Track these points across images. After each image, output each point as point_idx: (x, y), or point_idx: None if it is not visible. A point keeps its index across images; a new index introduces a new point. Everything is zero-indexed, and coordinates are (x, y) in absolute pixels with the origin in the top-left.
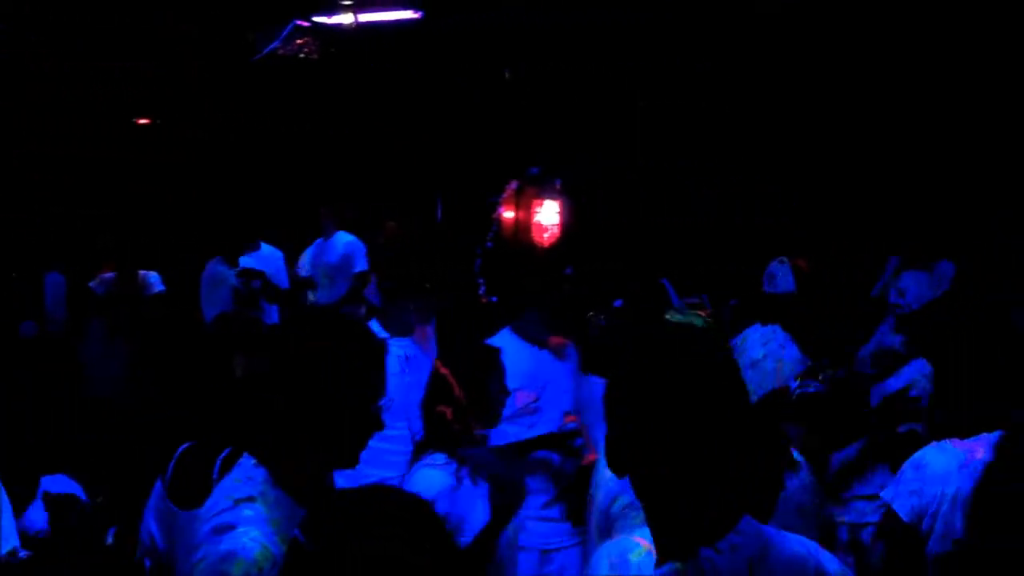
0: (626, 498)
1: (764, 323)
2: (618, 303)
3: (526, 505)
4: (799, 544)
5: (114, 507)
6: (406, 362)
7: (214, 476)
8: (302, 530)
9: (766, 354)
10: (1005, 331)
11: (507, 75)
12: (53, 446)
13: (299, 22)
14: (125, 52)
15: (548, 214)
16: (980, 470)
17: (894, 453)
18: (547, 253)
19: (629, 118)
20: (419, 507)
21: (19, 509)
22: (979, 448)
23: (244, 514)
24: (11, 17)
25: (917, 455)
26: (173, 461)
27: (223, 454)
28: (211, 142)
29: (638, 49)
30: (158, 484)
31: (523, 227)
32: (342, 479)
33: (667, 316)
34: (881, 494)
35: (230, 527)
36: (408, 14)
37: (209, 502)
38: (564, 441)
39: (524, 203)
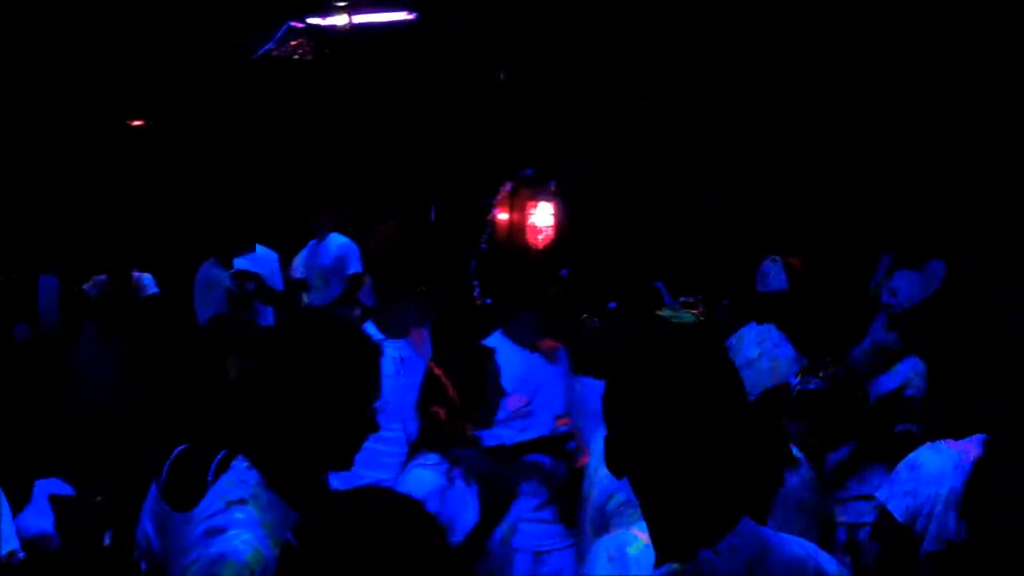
0: (622, 495)
1: (759, 322)
2: (612, 305)
3: (519, 507)
4: (798, 546)
5: (111, 509)
6: (401, 364)
7: (209, 479)
8: (295, 534)
9: (761, 353)
10: (1004, 330)
11: (501, 77)
12: (47, 449)
13: (293, 23)
14: (123, 52)
15: (542, 216)
16: (969, 469)
17: (890, 453)
18: (541, 255)
19: (629, 118)
20: (412, 509)
21: (14, 512)
22: (973, 448)
23: (236, 517)
24: (11, 17)
25: (912, 456)
26: (168, 463)
27: (219, 457)
28: (205, 144)
29: (638, 49)
30: (153, 486)
31: (517, 229)
32: (337, 480)
33: (657, 313)
34: (876, 494)
35: (222, 530)
36: (402, 15)
37: (202, 505)
38: (557, 445)
39: (518, 205)
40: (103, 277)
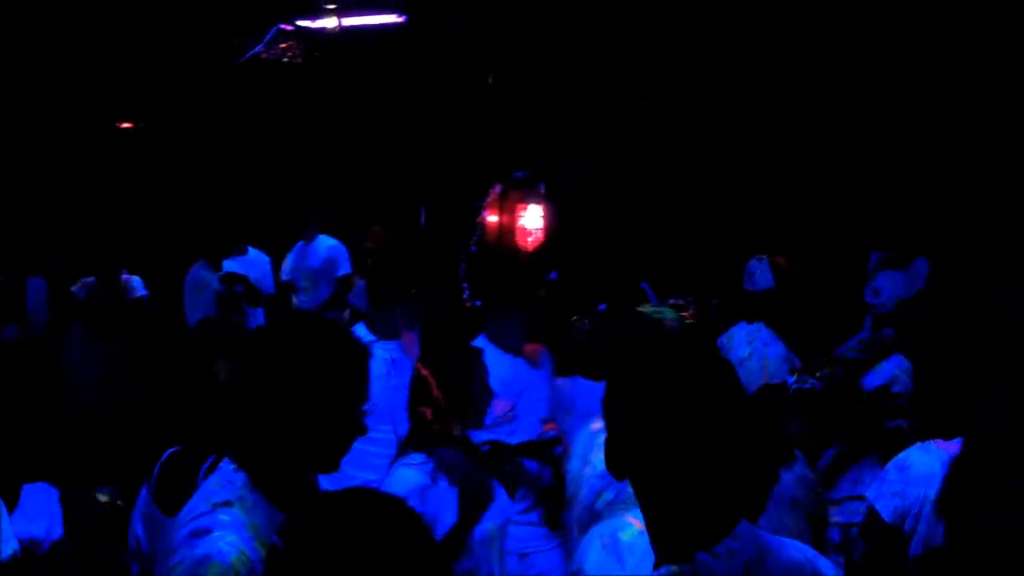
0: (610, 494)
1: (749, 321)
2: (602, 307)
3: (505, 509)
4: (796, 550)
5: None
6: (392, 365)
7: (199, 482)
8: (280, 536)
9: (751, 352)
10: (1004, 330)
11: (490, 80)
12: (36, 452)
13: (283, 26)
14: (118, 53)
15: (532, 218)
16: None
17: (880, 450)
18: (531, 257)
19: (629, 118)
20: (399, 509)
21: None
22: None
23: (221, 518)
24: (11, 17)
25: (901, 455)
26: (158, 466)
27: (209, 460)
28: (194, 145)
29: (638, 49)
30: (144, 489)
31: (507, 231)
32: (327, 481)
33: (640, 310)
34: (865, 493)
35: (207, 531)
36: (392, 18)
37: (187, 506)
38: (544, 449)
39: (508, 207)
40: (91, 279)
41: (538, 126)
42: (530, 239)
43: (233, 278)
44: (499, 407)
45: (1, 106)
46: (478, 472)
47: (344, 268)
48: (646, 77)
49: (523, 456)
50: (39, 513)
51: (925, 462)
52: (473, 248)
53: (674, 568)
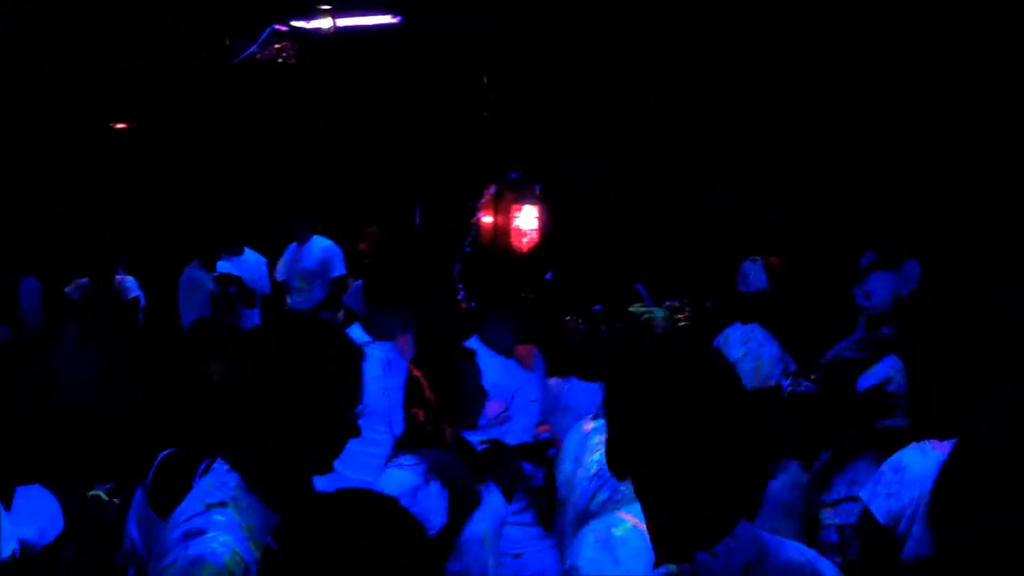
0: (604, 494)
1: (744, 322)
2: (597, 307)
3: (498, 510)
4: (796, 551)
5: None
6: (388, 366)
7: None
8: (274, 537)
9: (746, 353)
10: (1007, 329)
11: (485, 80)
12: (29, 453)
13: (277, 26)
14: (112, 53)
15: (527, 219)
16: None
17: (876, 450)
18: (525, 258)
19: (642, 115)
20: (394, 509)
21: None
22: None
23: (215, 519)
24: (11, 17)
25: (896, 456)
26: (153, 469)
27: (206, 463)
28: (189, 146)
29: (651, 46)
30: (139, 492)
31: (502, 232)
32: (322, 482)
33: (630, 310)
34: (860, 494)
35: (200, 532)
36: (386, 19)
37: (181, 507)
38: (539, 452)
39: (503, 208)
40: (85, 280)
41: (550, 124)
42: (525, 240)
43: (227, 279)
44: (492, 408)
45: (1, 106)
46: (466, 474)
47: (338, 269)
48: (659, 74)
49: (519, 458)
50: (32, 515)
51: (920, 463)
52: (468, 249)
53: (673, 567)
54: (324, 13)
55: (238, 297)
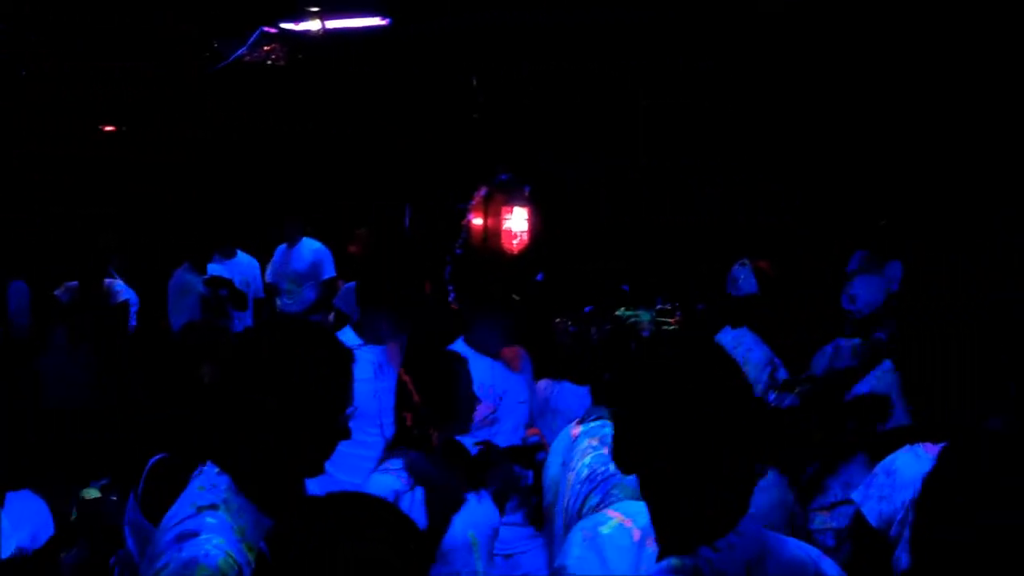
0: (595, 498)
1: (734, 327)
2: (588, 309)
3: (492, 518)
4: (799, 548)
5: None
6: (379, 369)
7: None
8: (268, 543)
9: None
10: (1006, 329)
11: (475, 82)
12: (17, 458)
13: (266, 28)
14: (106, 54)
15: (517, 221)
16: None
17: (870, 452)
18: (516, 260)
19: (632, 117)
20: (386, 512)
21: None
22: None
23: (207, 521)
24: (11, 17)
25: (889, 459)
26: (144, 474)
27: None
28: (177, 148)
29: (641, 48)
30: (130, 498)
31: (492, 234)
32: (314, 484)
33: (617, 313)
34: (852, 496)
35: (193, 534)
36: (376, 20)
37: (172, 510)
38: (528, 455)
39: (493, 209)
40: (75, 283)
41: (540, 125)
42: (515, 241)
43: (218, 282)
44: (480, 410)
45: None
46: (447, 475)
47: (329, 271)
48: (649, 76)
49: (508, 460)
50: (23, 520)
51: (912, 467)
52: (458, 251)
53: (675, 561)
54: (313, 15)
55: (229, 300)
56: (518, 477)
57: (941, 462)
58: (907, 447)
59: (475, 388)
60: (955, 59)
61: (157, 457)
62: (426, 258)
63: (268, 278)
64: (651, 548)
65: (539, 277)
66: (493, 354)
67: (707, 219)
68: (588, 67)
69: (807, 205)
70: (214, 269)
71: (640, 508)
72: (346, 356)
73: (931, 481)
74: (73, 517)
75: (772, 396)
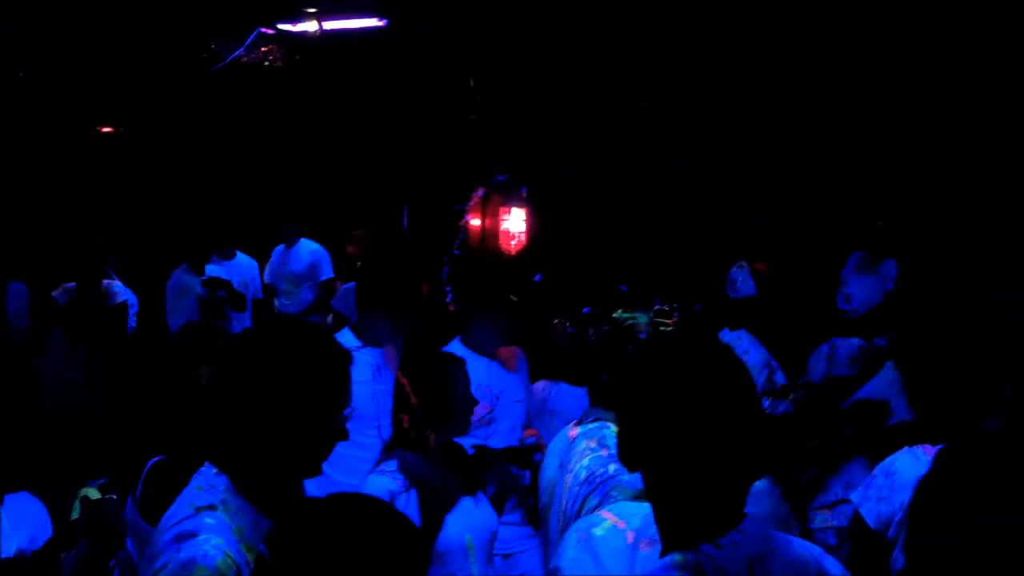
0: (594, 500)
1: (732, 328)
2: (586, 310)
3: (490, 521)
4: (803, 547)
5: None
6: (378, 371)
7: None
8: (268, 545)
9: None
10: (1005, 330)
11: (472, 83)
12: (16, 458)
13: (263, 29)
14: (119, 53)
15: (515, 221)
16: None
17: (871, 452)
18: (513, 260)
19: (629, 118)
20: (385, 513)
21: None
22: None
23: (206, 522)
24: (11, 17)
25: (888, 460)
26: (143, 476)
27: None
28: (174, 149)
29: (638, 49)
30: (128, 500)
31: (490, 235)
32: (312, 486)
33: (615, 314)
34: (851, 496)
35: (192, 534)
36: (373, 21)
37: (170, 511)
38: (525, 455)
39: (491, 210)
40: (73, 284)
41: (537, 127)
42: (512, 243)
43: (216, 283)
44: (476, 410)
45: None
46: (440, 476)
47: (326, 272)
48: (646, 77)
49: (505, 461)
50: (21, 522)
51: (911, 468)
52: (456, 252)
53: (678, 557)
54: (310, 16)
55: (227, 301)
56: (516, 478)
57: (937, 464)
58: (906, 449)
59: (472, 388)
60: (952, 60)
61: (155, 460)
62: (424, 259)
63: (266, 279)
64: (645, 550)
65: (537, 278)
66: (490, 354)
67: (704, 220)
68: (585, 68)
69: (805, 207)
70: (212, 270)
71: (634, 510)
72: (344, 358)
73: (927, 483)
74: (73, 518)
75: (766, 403)
